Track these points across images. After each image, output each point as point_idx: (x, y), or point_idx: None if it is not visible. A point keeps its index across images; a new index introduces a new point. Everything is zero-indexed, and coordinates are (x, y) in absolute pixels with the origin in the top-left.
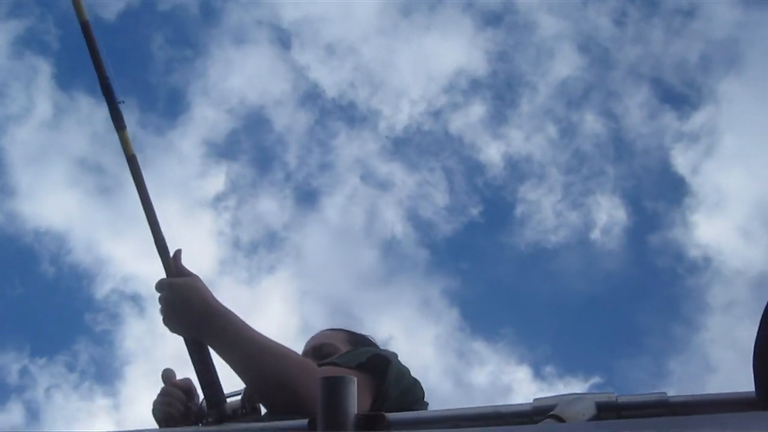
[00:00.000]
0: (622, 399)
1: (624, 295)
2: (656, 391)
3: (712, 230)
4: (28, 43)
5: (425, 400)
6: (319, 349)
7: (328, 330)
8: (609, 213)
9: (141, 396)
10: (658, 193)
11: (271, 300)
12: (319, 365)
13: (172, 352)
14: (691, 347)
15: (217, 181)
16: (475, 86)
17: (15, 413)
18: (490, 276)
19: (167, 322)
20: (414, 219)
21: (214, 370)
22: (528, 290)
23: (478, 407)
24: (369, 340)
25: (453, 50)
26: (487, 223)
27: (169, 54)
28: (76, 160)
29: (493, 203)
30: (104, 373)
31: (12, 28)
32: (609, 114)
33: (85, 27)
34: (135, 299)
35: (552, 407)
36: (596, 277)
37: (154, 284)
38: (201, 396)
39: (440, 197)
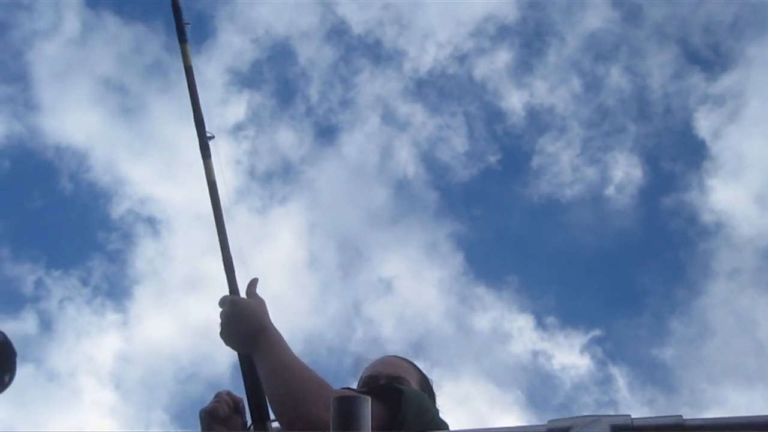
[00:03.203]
0: (637, 422)
1: (632, 253)
2: (672, 414)
3: (727, 196)
4: None
5: None
6: (395, 381)
7: (404, 361)
8: (626, 171)
9: (148, 315)
10: (677, 155)
11: (281, 230)
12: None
13: (181, 277)
14: (691, 310)
15: (238, 109)
16: (503, 32)
17: (29, 322)
18: (501, 224)
19: (223, 335)
20: (430, 161)
21: (262, 387)
22: (537, 241)
23: (493, 428)
24: (432, 388)
25: None
26: (503, 171)
27: None
28: (101, 79)
29: (510, 152)
30: (115, 290)
31: None
32: (635, 71)
33: (188, 72)
34: (150, 221)
35: (567, 429)
36: (606, 233)
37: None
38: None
39: (458, 142)
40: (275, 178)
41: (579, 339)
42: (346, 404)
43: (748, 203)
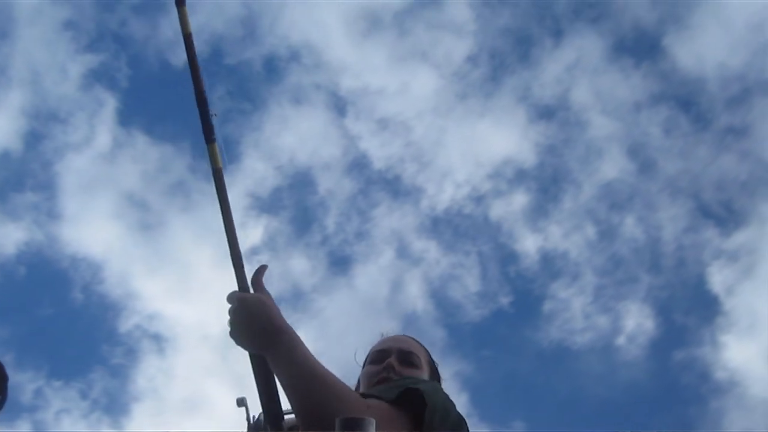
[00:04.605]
0: None
1: (641, 407)
2: None
3: (741, 354)
4: (98, 77)
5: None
6: (407, 355)
7: (413, 340)
8: (637, 321)
9: None
10: (690, 308)
11: None
12: (362, 395)
13: (181, 398)
14: None
15: (254, 233)
16: (520, 176)
17: None
18: (509, 367)
19: (233, 334)
20: (441, 299)
21: (275, 386)
22: (545, 387)
23: None
24: (438, 371)
25: (503, 138)
26: (514, 314)
27: (228, 105)
28: (124, 194)
29: (523, 295)
30: (114, 406)
31: (87, 60)
32: (650, 222)
33: (187, 39)
34: (156, 338)
35: None
36: (616, 384)
37: (172, 324)
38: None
39: (471, 281)
40: (285, 304)
41: None
42: (352, 426)
43: (762, 363)
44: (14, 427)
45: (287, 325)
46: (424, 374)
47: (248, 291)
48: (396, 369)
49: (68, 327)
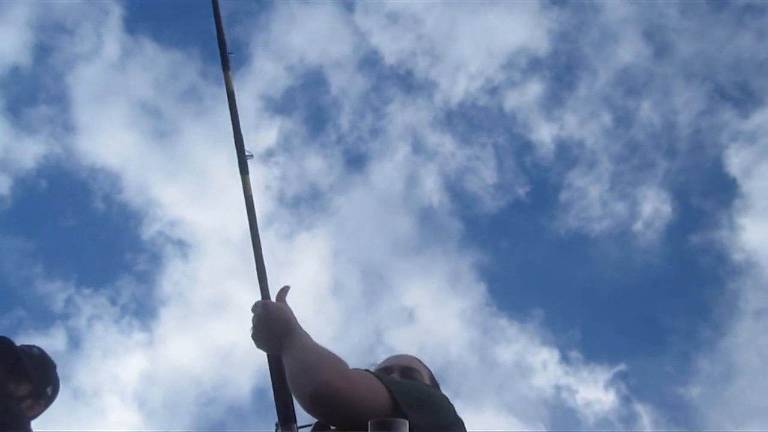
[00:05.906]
0: None
1: (658, 290)
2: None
3: (758, 235)
4: None
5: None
6: (408, 372)
7: (417, 360)
8: (654, 206)
9: (173, 337)
10: (707, 192)
11: (305, 256)
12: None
13: (207, 300)
14: (716, 349)
15: (269, 135)
16: (534, 65)
17: (58, 339)
18: (526, 256)
19: (255, 336)
20: (457, 192)
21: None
22: (563, 275)
23: None
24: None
25: (516, 27)
26: (531, 204)
27: (234, 6)
28: (137, 102)
29: (539, 185)
30: (142, 311)
31: None
32: (666, 106)
33: (230, 97)
34: (179, 244)
35: None
36: (633, 268)
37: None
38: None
39: (487, 173)
40: (303, 204)
41: (603, 374)
42: (384, 427)
43: None
44: (49, 336)
45: (301, 327)
46: None
47: (269, 300)
48: None
49: (92, 236)
